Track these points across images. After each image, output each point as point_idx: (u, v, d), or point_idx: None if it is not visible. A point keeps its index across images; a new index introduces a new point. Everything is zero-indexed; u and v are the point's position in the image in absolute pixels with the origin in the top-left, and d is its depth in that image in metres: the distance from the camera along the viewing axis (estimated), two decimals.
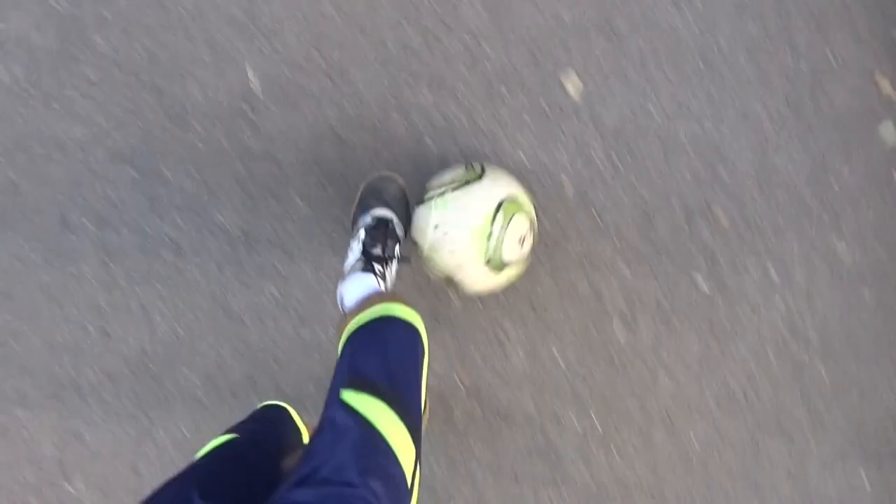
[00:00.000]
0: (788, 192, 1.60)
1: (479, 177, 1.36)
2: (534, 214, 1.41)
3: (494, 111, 1.55)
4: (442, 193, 1.36)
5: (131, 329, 1.62)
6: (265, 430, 1.18)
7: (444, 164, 1.54)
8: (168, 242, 1.59)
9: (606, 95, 1.56)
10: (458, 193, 1.35)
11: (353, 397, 0.83)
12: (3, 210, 1.61)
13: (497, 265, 1.35)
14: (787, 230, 1.61)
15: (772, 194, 1.60)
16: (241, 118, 1.55)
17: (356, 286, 1.25)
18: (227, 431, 1.08)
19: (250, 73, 1.55)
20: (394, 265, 1.36)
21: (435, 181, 1.41)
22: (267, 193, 1.57)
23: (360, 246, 1.34)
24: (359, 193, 1.47)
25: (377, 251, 1.33)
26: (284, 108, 1.55)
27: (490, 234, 1.32)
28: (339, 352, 1.03)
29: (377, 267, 1.30)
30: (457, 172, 1.40)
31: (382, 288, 1.28)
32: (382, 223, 1.37)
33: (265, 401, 1.41)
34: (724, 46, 1.58)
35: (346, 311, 1.22)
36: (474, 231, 1.32)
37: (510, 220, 1.33)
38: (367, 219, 1.39)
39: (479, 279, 1.38)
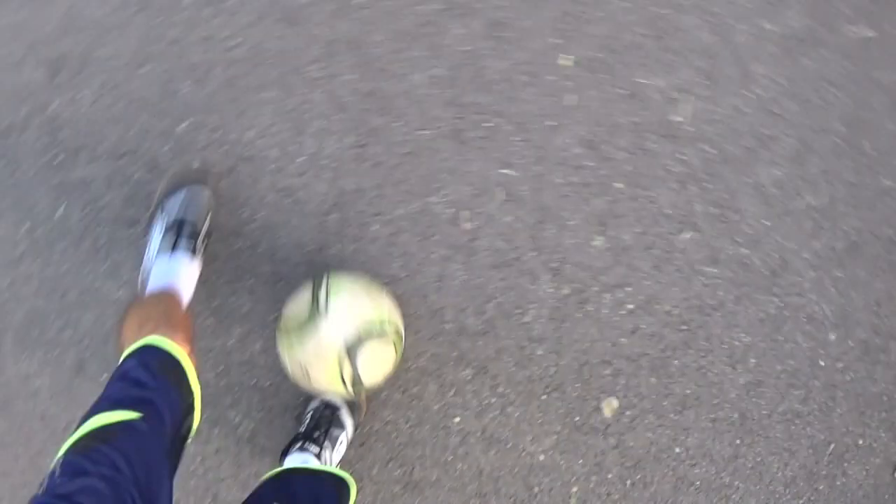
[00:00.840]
0: None
1: (321, 314, 1.28)
2: (397, 329, 1.36)
3: (527, 409, 1.55)
4: (288, 336, 1.32)
5: None
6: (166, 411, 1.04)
7: (464, 447, 1.55)
8: None
9: (639, 426, 1.56)
10: (302, 339, 1.29)
11: None
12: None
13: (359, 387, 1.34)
14: None
15: None
16: None
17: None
18: (119, 405, 0.95)
19: None
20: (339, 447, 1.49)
21: (286, 311, 1.35)
22: (285, 409, 1.57)
23: (304, 429, 1.46)
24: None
25: (317, 434, 1.44)
26: None
27: (342, 373, 1.30)
28: None
29: (313, 448, 1.42)
30: (301, 308, 1.31)
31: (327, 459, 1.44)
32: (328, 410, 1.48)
33: None
34: (763, 410, 1.58)
35: None
36: (328, 373, 1.30)
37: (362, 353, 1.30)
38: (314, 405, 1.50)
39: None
